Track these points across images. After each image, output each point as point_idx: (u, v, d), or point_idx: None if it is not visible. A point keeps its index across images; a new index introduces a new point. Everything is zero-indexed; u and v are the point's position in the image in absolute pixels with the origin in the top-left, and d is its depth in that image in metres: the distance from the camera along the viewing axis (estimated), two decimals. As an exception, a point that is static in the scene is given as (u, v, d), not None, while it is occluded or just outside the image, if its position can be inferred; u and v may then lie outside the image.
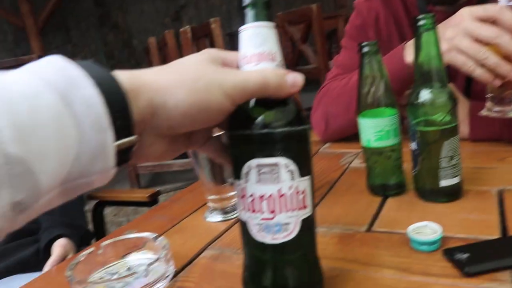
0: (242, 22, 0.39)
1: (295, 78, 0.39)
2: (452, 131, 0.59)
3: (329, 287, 0.46)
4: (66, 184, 0.29)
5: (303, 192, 0.39)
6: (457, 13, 0.71)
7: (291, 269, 0.42)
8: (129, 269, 0.58)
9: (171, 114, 0.35)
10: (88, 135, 0.29)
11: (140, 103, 0.33)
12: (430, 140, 0.60)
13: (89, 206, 1.36)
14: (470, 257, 0.46)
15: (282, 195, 0.39)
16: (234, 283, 0.50)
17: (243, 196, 0.40)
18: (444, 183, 0.61)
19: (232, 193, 0.70)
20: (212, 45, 2.57)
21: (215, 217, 0.70)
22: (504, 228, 0.53)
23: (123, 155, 0.33)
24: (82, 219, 1.18)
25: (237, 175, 0.40)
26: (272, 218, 0.39)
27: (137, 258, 0.60)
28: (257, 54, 0.39)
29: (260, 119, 0.38)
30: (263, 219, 0.39)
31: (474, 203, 0.61)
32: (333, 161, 0.90)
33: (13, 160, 0.25)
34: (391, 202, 0.66)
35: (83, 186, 0.30)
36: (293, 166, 0.39)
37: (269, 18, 0.39)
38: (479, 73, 0.69)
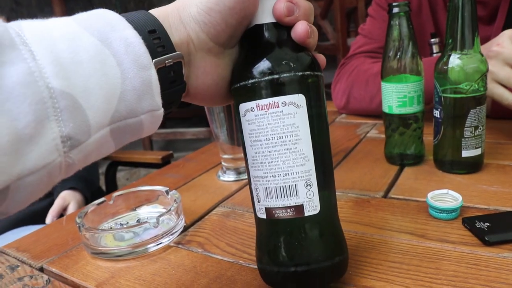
0: None
1: None
2: (480, 100, 0.57)
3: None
4: (115, 124, 0.29)
5: None
6: (498, 38, 0.66)
7: None
8: (138, 221, 0.57)
9: (196, 18, 0.34)
10: (131, 73, 0.29)
11: (174, 26, 0.34)
12: (456, 108, 0.58)
13: (102, 169, 1.37)
14: (491, 226, 0.45)
15: None
16: (244, 239, 0.50)
17: None
18: (466, 153, 0.59)
19: (247, 154, 0.70)
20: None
21: (228, 177, 0.69)
22: (526, 201, 0.51)
23: (173, 94, 0.34)
24: (95, 175, 1.19)
25: None
26: None
27: (148, 211, 0.60)
28: None
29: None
30: None
31: (494, 176, 0.59)
32: (350, 131, 0.88)
33: (58, 94, 0.25)
34: (408, 171, 0.64)
35: (133, 128, 0.30)
36: None
37: None
38: None
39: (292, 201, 0.34)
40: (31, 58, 0.24)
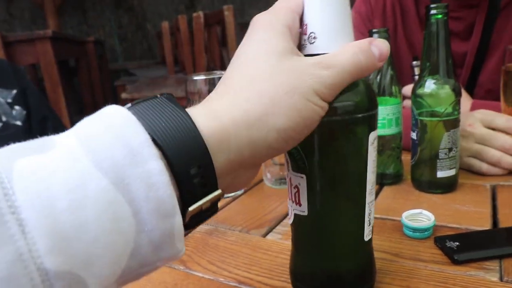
0: None
1: (380, 48, 0.32)
2: (453, 123, 0.59)
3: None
4: (124, 277, 0.24)
5: (296, 187, 0.37)
6: (469, 117, 0.69)
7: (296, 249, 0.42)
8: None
9: (272, 146, 0.29)
10: (149, 224, 0.24)
11: (234, 149, 0.28)
12: (431, 130, 0.60)
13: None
14: (460, 245, 0.46)
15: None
16: (225, 256, 0.51)
17: None
18: (441, 174, 0.61)
19: (231, 172, 0.71)
20: (223, 33, 2.57)
21: (213, 194, 0.71)
22: (495, 221, 0.54)
23: (205, 213, 0.28)
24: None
25: None
26: None
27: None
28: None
29: None
30: None
31: (468, 196, 0.61)
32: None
33: (52, 276, 0.20)
34: (387, 190, 0.66)
35: (145, 273, 0.26)
36: (287, 156, 0.37)
37: None
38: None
39: None
40: (19, 233, 0.20)
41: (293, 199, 0.38)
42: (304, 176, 0.36)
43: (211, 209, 0.29)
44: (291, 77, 0.29)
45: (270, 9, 0.33)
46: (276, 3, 0.33)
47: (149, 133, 0.25)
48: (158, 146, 0.25)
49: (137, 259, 0.24)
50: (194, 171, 0.26)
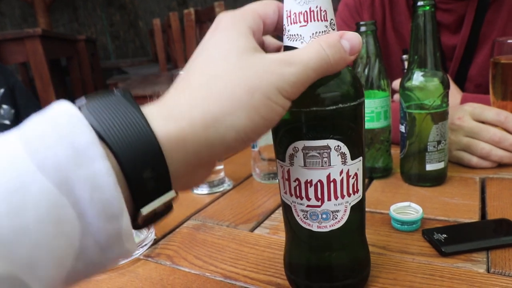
0: None
1: (352, 41, 0.31)
2: (442, 116, 0.59)
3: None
4: (72, 278, 0.24)
5: (354, 176, 0.35)
6: (458, 111, 0.68)
7: (336, 256, 0.39)
8: (111, 234, 0.58)
9: (230, 145, 0.28)
10: (94, 226, 0.23)
11: (191, 152, 0.27)
12: (419, 123, 0.60)
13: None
14: (448, 238, 0.46)
15: (331, 181, 0.34)
16: (212, 251, 0.51)
17: (287, 179, 0.36)
18: (429, 167, 0.61)
19: (219, 167, 0.71)
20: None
21: (202, 190, 0.70)
22: (483, 214, 0.53)
23: (159, 214, 0.28)
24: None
25: (279, 155, 0.36)
26: (319, 206, 0.35)
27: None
28: (304, 12, 0.31)
29: (305, 95, 0.31)
30: (309, 206, 0.35)
31: (457, 189, 0.61)
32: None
33: None
34: (376, 184, 0.66)
35: (96, 273, 0.25)
36: (345, 148, 0.34)
37: None
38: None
39: None
40: None
41: (352, 190, 0.35)
42: (361, 158, 0.35)
43: (165, 210, 0.28)
44: (252, 75, 0.28)
45: (237, 10, 0.32)
46: (244, 7, 0.33)
47: (98, 133, 0.24)
48: (108, 146, 0.24)
49: (84, 260, 0.23)
50: (147, 175, 0.25)
